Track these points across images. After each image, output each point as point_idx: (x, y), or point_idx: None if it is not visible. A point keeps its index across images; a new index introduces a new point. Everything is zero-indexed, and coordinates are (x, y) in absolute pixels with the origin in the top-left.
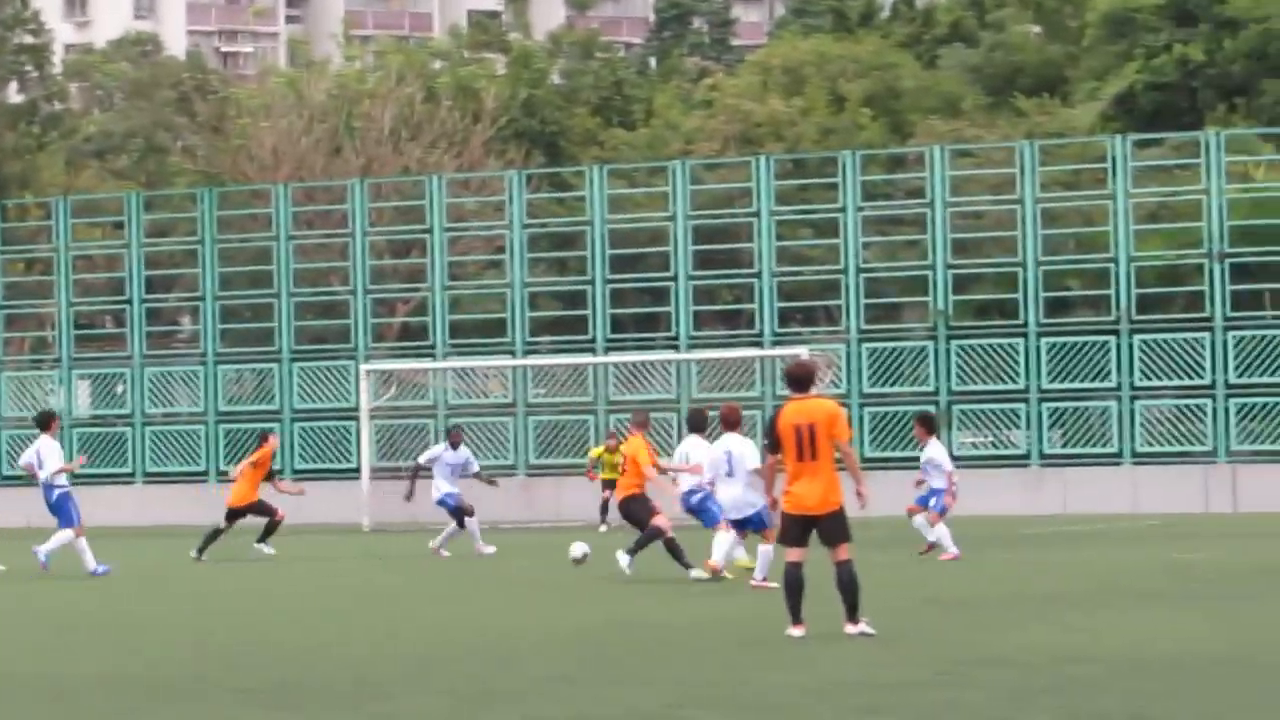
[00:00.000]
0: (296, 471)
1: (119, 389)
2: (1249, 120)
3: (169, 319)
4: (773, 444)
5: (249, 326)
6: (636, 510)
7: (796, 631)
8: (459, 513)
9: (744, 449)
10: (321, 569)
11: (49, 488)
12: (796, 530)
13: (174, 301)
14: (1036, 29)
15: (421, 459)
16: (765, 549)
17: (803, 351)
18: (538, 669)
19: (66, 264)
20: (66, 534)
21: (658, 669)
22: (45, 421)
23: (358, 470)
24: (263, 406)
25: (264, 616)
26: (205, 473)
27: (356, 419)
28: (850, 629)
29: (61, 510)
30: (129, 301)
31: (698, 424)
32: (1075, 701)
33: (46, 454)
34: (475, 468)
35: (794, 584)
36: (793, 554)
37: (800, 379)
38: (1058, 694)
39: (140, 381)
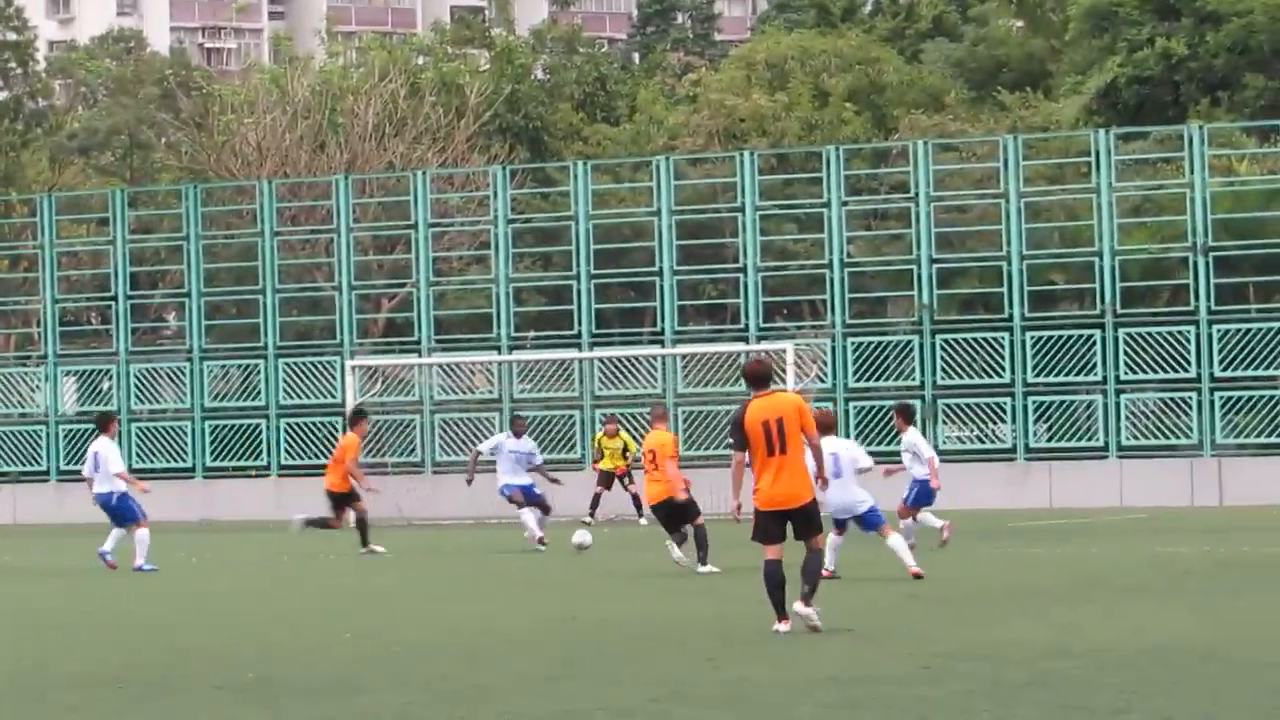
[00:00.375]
0: (283, 467)
1: (104, 386)
2: (1232, 114)
3: (154, 315)
4: (739, 442)
5: (234, 323)
6: (684, 509)
7: (782, 627)
8: (527, 501)
9: (851, 450)
10: (308, 565)
11: (108, 492)
12: (773, 526)
13: (159, 298)
14: (1019, 23)
15: (482, 448)
16: (897, 536)
17: (788, 346)
18: (520, 665)
19: (51, 261)
20: (144, 532)
21: (640, 664)
22: (104, 423)
23: None
24: (248, 403)
25: (249, 614)
26: (191, 469)
27: (342, 415)
28: (801, 608)
29: (125, 509)
30: (114, 298)
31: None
32: (1060, 696)
33: (106, 457)
34: (539, 459)
35: (775, 581)
36: (771, 551)
37: (761, 376)
38: (1042, 688)
39: (126, 378)
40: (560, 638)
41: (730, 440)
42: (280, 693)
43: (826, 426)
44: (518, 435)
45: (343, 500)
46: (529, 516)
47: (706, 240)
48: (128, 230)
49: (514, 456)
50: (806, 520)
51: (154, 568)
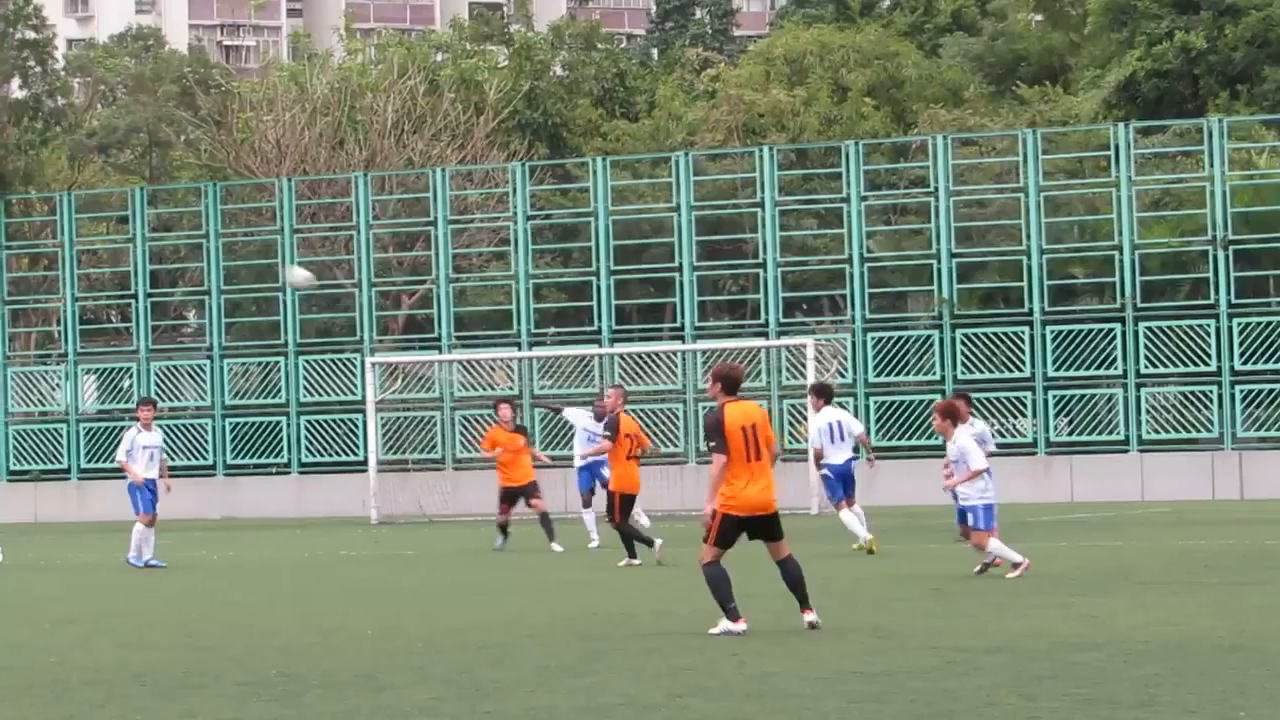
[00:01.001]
0: (303, 464)
1: (125, 384)
2: (1251, 107)
3: (174, 313)
4: (721, 445)
5: (254, 320)
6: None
7: (738, 627)
8: (590, 495)
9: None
10: (328, 562)
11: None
12: (735, 533)
13: (179, 296)
14: (1038, 17)
15: (567, 414)
16: (995, 542)
17: (808, 341)
18: (540, 660)
19: (71, 259)
20: (140, 527)
21: (660, 659)
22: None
23: (364, 462)
24: (269, 400)
25: (269, 611)
26: (212, 467)
27: (363, 411)
28: (809, 615)
29: (132, 498)
30: (134, 296)
31: (828, 395)
32: (1083, 688)
33: (124, 445)
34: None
35: (726, 579)
36: (717, 554)
37: (736, 381)
38: (1064, 680)
39: (146, 376)
40: (579, 633)
41: (711, 444)
42: (304, 688)
43: (953, 414)
44: (598, 419)
45: (516, 495)
46: (590, 519)
47: (726, 236)
48: (147, 228)
49: (586, 435)
50: (775, 525)
51: (160, 564)
